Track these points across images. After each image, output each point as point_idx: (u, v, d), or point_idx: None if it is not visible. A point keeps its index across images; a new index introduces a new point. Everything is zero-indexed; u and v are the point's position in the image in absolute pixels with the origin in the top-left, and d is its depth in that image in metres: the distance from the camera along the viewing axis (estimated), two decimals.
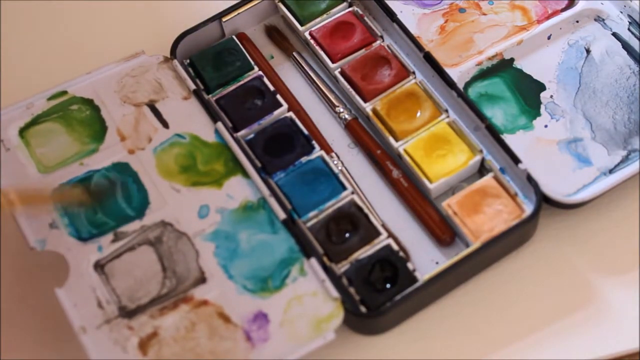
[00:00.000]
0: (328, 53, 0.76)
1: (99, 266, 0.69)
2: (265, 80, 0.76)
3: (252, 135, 0.74)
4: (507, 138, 0.72)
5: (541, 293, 0.70)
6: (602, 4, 0.77)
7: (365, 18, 0.78)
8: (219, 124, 0.73)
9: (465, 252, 0.68)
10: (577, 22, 0.77)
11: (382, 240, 0.69)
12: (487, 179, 0.71)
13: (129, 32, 0.83)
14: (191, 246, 0.69)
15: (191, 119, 0.74)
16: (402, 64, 0.75)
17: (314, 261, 0.68)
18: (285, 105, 0.75)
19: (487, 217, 0.70)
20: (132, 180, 0.72)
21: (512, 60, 0.76)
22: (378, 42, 0.77)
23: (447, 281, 0.69)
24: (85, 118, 0.74)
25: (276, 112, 0.74)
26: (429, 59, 0.75)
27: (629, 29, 0.76)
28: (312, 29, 0.77)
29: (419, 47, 0.75)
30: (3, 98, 0.78)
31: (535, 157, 0.72)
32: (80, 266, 0.68)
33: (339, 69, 0.76)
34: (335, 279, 0.68)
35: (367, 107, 0.74)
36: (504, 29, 0.77)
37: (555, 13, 0.77)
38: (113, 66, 0.76)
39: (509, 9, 0.78)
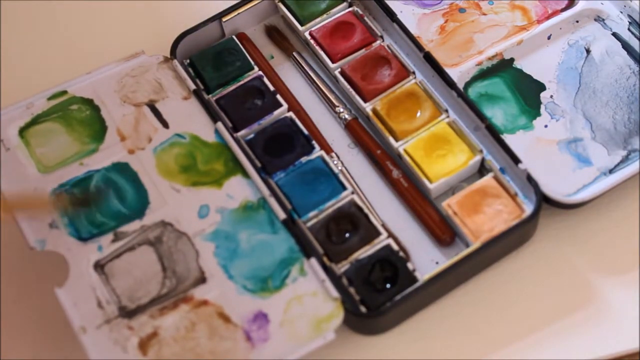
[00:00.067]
0: (328, 53, 0.76)
1: (99, 266, 0.69)
2: (265, 80, 0.76)
3: (252, 135, 0.74)
4: (507, 138, 0.72)
5: (541, 293, 0.70)
6: (602, 4, 0.77)
7: (365, 18, 0.78)
8: (219, 124, 0.73)
9: (465, 252, 0.68)
10: (577, 22, 0.77)
11: (382, 240, 0.69)
12: (487, 179, 0.71)
13: (129, 32, 0.83)
14: (191, 246, 0.69)
15: (191, 119, 0.74)
16: (402, 64, 0.75)
17: (314, 261, 0.68)
18: (285, 105, 0.75)
19: (487, 217, 0.70)
20: (130, 181, 0.72)
21: (512, 60, 0.76)
22: (378, 42, 0.77)
23: (447, 281, 0.69)
24: (85, 118, 0.74)
25: (276, 112, 0.74)
26: (429, 59, 0.75)
27: (629, 29, 0.76)
28: (312, 29, 0.78)
29: (419, 47, 0.75)
30: (3, 98, 0.78)
31: (535, 157, 0.72)
32: (80, 266, 0.68)
33: (339, 69, 0.76)
34: (335, 279, 0.68)
35: (367, 107, 0.74)
36: (504, 29, 0.77)
37: (555, 13, 0.77)
38: (113, 66, 0.76)
39: (509, 9, 0.78)
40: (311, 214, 0.70)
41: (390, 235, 0.71)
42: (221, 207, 0.71)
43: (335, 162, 0.73)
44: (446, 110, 0.73)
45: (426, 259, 0.71)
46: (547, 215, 0.71)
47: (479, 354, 0.68)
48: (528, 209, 0.70)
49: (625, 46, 0.76)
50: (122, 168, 0.72)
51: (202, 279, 0.68)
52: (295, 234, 0.69)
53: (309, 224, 0.70)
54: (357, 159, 0.75)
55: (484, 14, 0.78)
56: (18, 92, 0.76)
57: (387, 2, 0.77)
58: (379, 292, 0.68)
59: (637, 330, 0.68)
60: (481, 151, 0.72)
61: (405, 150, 0.72)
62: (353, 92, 0.75)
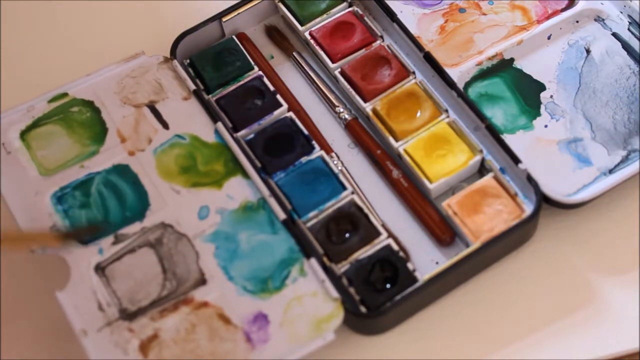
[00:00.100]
0: (328, 53, 0.76)
1: (100, 269, 0.69)
2: (265, 80, 0.76)
3: (252, 136, 0.74)
4: (507, 138, 0.72)
5: (541, 293, 0.70)
6: (602, 4, 0.77)
7: (365, 18, 0.78)
8: (219, 124, 0.73)
9: (465, 252, 0.68)
10: (577, 22, 0.77)
11: (382, 240, 0.69)
12: (487, 179, 0.71)
13: (129, 32, 0.83)
14: (191, 247, 0.69)
15: (191, 120, 0.74)
16: (402, 64, 0.75)
17: (314, 261, 0.68)
18: (285, 105, 0.75)
19: (487, 217, 0.70)
20: (130, 183, 0.72)
21: (512, 60, 0.76)
22: (378, 42, 0.76)
23: (447, 281, 0.69)
24: (86, 120, 0.74)
25: (276, 112, 0.74)
26: (429, 59, 0.75)
27: (629, 29, 0.76)
28: (312, 29, 0.77)
29: (419, 47, 0.75)
30: (3, 101, 0.78)
31: (535, 157, 0.72)
32: (81, 269, 0.68)
33: (339, 69, 0.76)
34: (335, 279, 0.68)
35: (367, 107, 0.74)
36: (504, 29, 0.77)
37: (555, 13, 0.77)
38: (113, 67, 0.76)
39: (509, 9, 0.78)
40: (311, 214, 0.70)
41: (390, 235, 0.71)
42: (221, 208, 0.71)
43: (335, 162, 0.73)
44: (446, 110, 0.73)
45: (426, 259, 0.71)
46: (547, 215, 0.71)
47: (479, 354, 0.68)
48: (528, 209, 0.70)
49: (625, 46, 0.76)
50: (122, 170, 0.72)
51: (202, 281, 0.68)
52: (295, 234, 0.69)
53: (309, 224, 0.70)
54: (357, 159, 0.75)
55: (484, 14, 0.78)
56: (18, 95, 0.76)
57: (387, 2, 0.77)
58: (379, 292, 0.68)
59: (637, 330, 0.68)
60: (481, 151, 0.72)
61: (405, 150, 0.72)
62: (353, 92, 0.75)
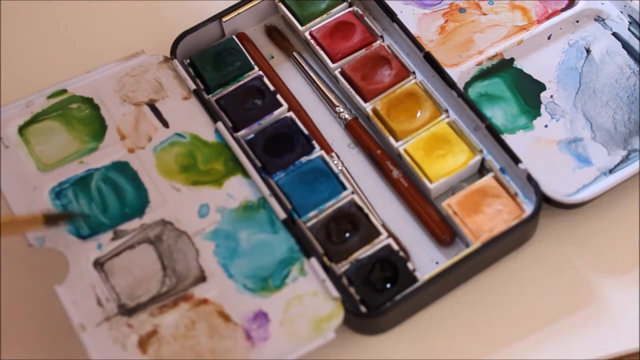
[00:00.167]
0: (328, 53, 0.76)
1: (99, 264, 0.68)
2: (265, 80, 0.76)
3: (252, 135, 0.74)
4: (507, 138, 0.72)
5: (541, 293, 0.70)
6: (602, 4, 0.77)
7: (365, 18, 0.78)
8: (219, 124, 0.73)
9: (465, 252, 0.68)
10: (577, 22, 0.77)
11: (382, 240, 0.69)
12: (487, 179, 0.71)
13: (129, 32, 0.83)
14: (191, 245, 0.69)
15: (191, 119, 0.74)
16: (402, 64, 0.75)
17: (314, 261, 0.68)
18: (285, 105, 0.75)
19: (487, 217, 0.70)
20: (130, 179, 0.72)
21: (512, 60, 0.76)
22: (378, 42, 0.77)
23: (447, 281, 0.69)
24: (85, 117, 0.74)
25: (276, 112, 0.74)
26: (429, 59, 0.75)
27: (629, 29, 0.77)
28: (312, 29, 0.78)
29: (419, 47, 0.75)
30: (3, 96, 0.78)
31: (535, 157, 0.72)
32: (80, 264, 0.68)
33: (339, 69, 0.76)
34: (335, 278, 0.68)
35: (367, 107, 0.74)
36: (504, 29, 0.77)
37: (555, 13, 0.77)
38: (113, 65, 0.76)
39: (509, 9, 0.78)
40: (311, 213, 0.70)
41: (390, 235, 0.70)
42: (221, 207, 0.71)
43: (335, 162, 0.73)
44: (446, 110, 0.73)
45: (426, 259, 0.71)
46: (547, 215, 0.71)
47: (479, 354, 0.68)
48: (528, 209, 0.70)
49: (626, 46, 0.76)
50: (122, 167, 0.72)
51: (202, 278, 0.68)
52: (295, 234, 0.69)
53: (309, 223, 0.70)
54: (357, 159, 0.75)
55: (484, 14, 0.78)
56: (18, 91, 0.75)
57: (387, 2, 0.77)
58: (379, 292, 0.68)
59: (637, 330, 0.68)
60: (481, 151, 0.72)
61: (405, 150, 0.72)
62: (353, 92, 0.75)
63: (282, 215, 0.70)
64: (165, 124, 0.74)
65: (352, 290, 0.68)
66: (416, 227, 0.72)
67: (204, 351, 0.65)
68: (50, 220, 0.68)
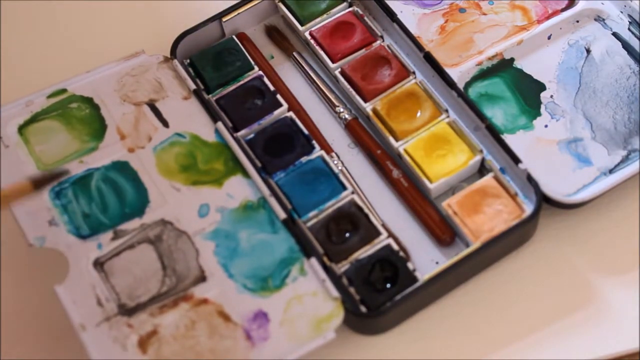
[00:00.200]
0: (328, 53, 0.76)
1: (99, 264, 0.68)
2: (265, 80, 0.76)
3: (252, 135, 0.74)
4: (507, 138, 0.72)
5: (541, 293, 0.70)
6: (602, 3, 0.77)
7: (365, 18, 0.78)
8: (219, 124, 0.73)
9: (465, 252, 0.68)
10: (577, 22, 0.77)
11: (382, 240, 0.69)
12: (487, 179, 0.71)
13: (129, 32, 0.83)
14: (191, 245, 0.69)
15: (191, 119, 0.74)
16: (402, 64, 0.75)
17: (314, 261, 0.68)
18: (285, 105, 0.75)
19: (487, 217, 0.69)
20: (130, 179, 0.72)
21: (512, 60, 0.76)
22: (378, 42, 0.77)
23: (447, 281, 0.69)
24: (85, 116, 0.74)
25: (276, 112, 0.74)
26: (429, 59, 0.75)
27: (629, 29, 0.77)
28: (312, 29, 0.78)
29: (419, 47, 0.75)
30: (3, 95, 0.78)
31: (535, 157, 0.72)
32: (80, 264, 0.68)
33: (339, 69, 0.76)
34: (335, 278, 0.68)
35: (367, 107, 0.74)
36: (504, 29, 0.77)
37: (555, 13, 0.77)
38: (113, 65, 0.76)
39: (509, 9, 0.78)
40: (311, 213, 0.70)
41: (390, 235, 0.70)
42: (221, 207, 0.71)
43: (335, 162, 0.73)
44: (446, 110, 0.73)
45: (426, 259, 0.71)
46: (547, 215, 0.71)
47: (479, 354, 0.68)
48: (528, 209, 0.70)
49: (626, 46, 0.76)
50: (121, 166, 0.72)
51: (202, 278, 0.68)
52: (295, 234, 0.69)
53: (309, 223, 0.70)
54: (357, 159, 0.75)
55: (484, 14, 0.78)
56: (18, 91, 0.75)
57: (387, 2, 0.77)
58: (379, 292, 0.68)
59: (637, 330, 0.68)
60: (481, 151, 0.72)
61: (405, 150, 0.72)
62: (353, 92, 0.75)
63: (282, 215, 0.70)
64: (165, 123, 0.74)
65: (352, 290, 0.68)
66: (416, 227, 0.72)
67: (204, 351, 0.65)
68: (38, 184, 0.67)
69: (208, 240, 0.69)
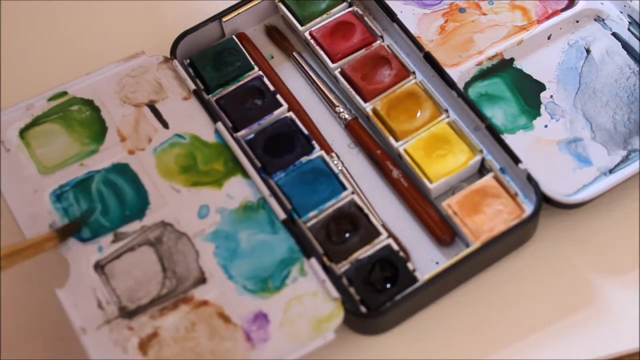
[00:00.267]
0: (328, 53, 0.76)
1: (99, 267, 0.69)
2: (265, 80, 0.76)
3: (252, 135, 0.74)
4: (507, 138, 0.72)
5: (541, 293, 0.70)
6: (602, 4, 0.77)
7: (365, 18, 0.78)
8: (219, 124, 0.73)
9: (465, 252, 0.68)
10: (577, 22, 0.77)
11: (382, 240, 0.69)
12: (487, 179, 0.71)
13: (129, 32, 0.83)
14: (191, 246, 0.69)
15: (191, 119, 0.74)
16: (402, 64, 0.75)
17: (314, 261, 0.68)
18: (285, 105, 0.75)
19: (487, 217, 0.70)
20: (130, 181, 0.72)
21: (512, 60, 0.76)
22: (378, 42, 0.77)
23: (447, 281, 0.69)
24: (85, 119, 0.74)
25: (276, 112, 0.74)
26: (429, 59, 0.75)
27: (629, 29, 0.76)
28: (312, 29, 0.77)
29: (419, 47, 0.75)
30: (3, 99, 0.78)
31: (535, 157, 0.72)
32: (81, 267, 0.68)
33: (339, 69, 0.76)
34: (335, 279, 0.68)
35: (367, 107, 0.74)
36: (504, 29, 0.77)
37: (555, 13, 0.77)
38: (113, 66, 0.76)
39: (509, 9, 0.78)
40: (311, 214, 0.70)
41: (390, 235, 0.71)
42: (221, 208, 0.71)
43: (335, 162, 0.73)
44: (446, 110, 0.73)
45: (426, 259, 0.71)
46: (547, 215, 0.71)
47: (479, 354, 0.68)
48: (528, 209, 0.70)
49: (625, 46, 0.76)
50: (122, 169, 0.72)
51: (202, 279, 0.68)
52: (295, 234, 0.69)
53: (309, 224, 0.70)
54: (357, 159, 0.75)
55: (484, 14, 0.78)
56: (18, 93, 0.76)
57: (387, 2, 0.77)
58: (379, 292, 0.68)
59: (637, 330, 0.68)
60: (481, 151, 0.72)
61: (405, 150, 0.72)
62: (353, 92, 0.75)
63: (282, 215, 0.70)
64: (165, 124, 0.74)
65: (352, 290, 0.68)
66: (416, 227, 0.72)
67: (204, 353, 0.65)
68: (64, 234, 0.68)
69: (208, 241, 0.69)
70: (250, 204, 0.71)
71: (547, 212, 0.71)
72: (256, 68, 0.76)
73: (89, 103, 0.75)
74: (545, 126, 0.74)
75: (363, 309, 0.67)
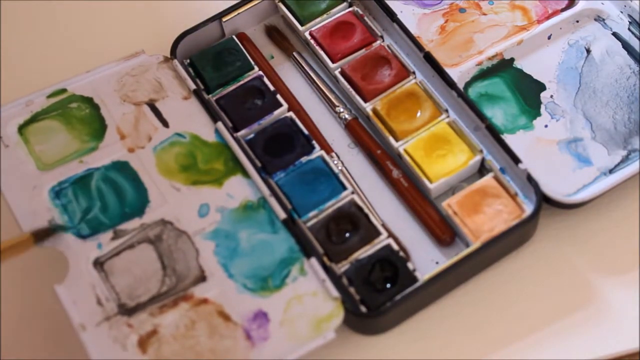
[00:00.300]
0: (328, 53, 0.76)
1: (99, 264, 0.68)
2: (265, 80, 0.76)
3: (252, 135, 0.74)
4: (507, 138, 0.72)
5: (541, 293, 0.70)
6: (602, 3, 0.77)
7: (365, 18, 0.78)
8: (219, 124, 0.73)
9: (465, 252, 0.68)
10: (577, 22, 0.77)
11: (382, 240, 0.69)
12: (487, 179, 0.71)
13: (129, 32, 0.83)
14: (191, 245, 0.69)
15: (191, 119, 0.74)
16: (402, 64, 0.75)
17: (314, 261, 0.68)
18: (285, 105, 0.75)
19: (487, 217, 0.69)
20: (130, 179, 0.72)
21: (512, 60, 0.76)
22: (378, 42, 0.77)
23: (447, 281, 0.69)
24: (85, 116, 0.74)
25: (276, 112, 0.74)
26: (429, 59, 0.75)
27: (629, 29, 0.77)
28: (312, 29, 0.78)
29: (419, 47, 0.75)
30: (3, 95, 0.78)
31: (535, 157, 0.72)
32: (80, 263, 0.68)
33: (339, 69, 0.76)
34: (335, 278, 0.68)
35: (367, 107, 0.74)
36: (504, 29, 0.77)
37: (555, 13, 0.77)
38: (113, 65, 0.76)
39: (509, 9, 0.78)
40: (311, 213, 0.70)
41: (390, 235, 0.70)
42: (221, 207, 0.71)
43: (335, 162, 0.73)
44: (446, 110, 0.73)
45: (426, 259, 0.71)
46: (547, 215, 0.71)
47: (479, 354, 0.68)
48: (528, 209, 0.70)
49: (626, 46, 0.76)
50: (121, 166, 0.72)
51: (202, 278, 0.68)
52: (295, 234, 0.69)
53: (309, 223, 0.70)
54: (357, 159, 0.75)
55: (484, 14, 0.78)
56: (18, 90, 0.75)
57: (387, 2, 0.77)
58: (379, 292, 0.68)
59: (637, 330, 0.68)
60: (481, 151, 0.72)
61: (405, 150, 0.72)
62: (353, 92, 0.75)
63: (282, 215, 0.70)
64: (165, 123, 0.74)
65: (352, 290, 0.68)
66: (416, 227, 0.72)
67: (204, 351, 0.65)
68: (39, 237, 0.68)
69: (208, 240, 0.69)
70: (250, 203, 0.71)
71: (547, 212, 0.71)
72: (256, 68, 0.76)
73: (89, 101, 0.75)
74: (546, 126, 0.74)
75: (363, 309, 0.67)
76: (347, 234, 0.70)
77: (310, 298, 0.67)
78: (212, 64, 0.76)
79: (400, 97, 0.74)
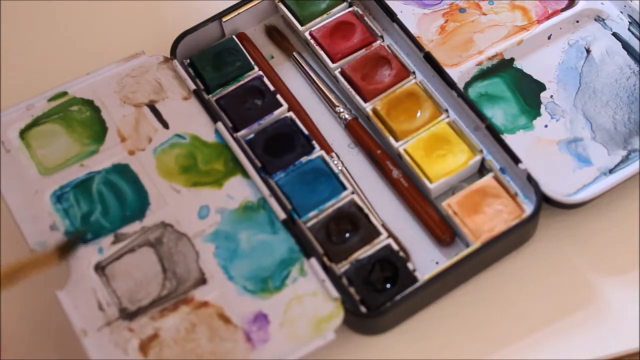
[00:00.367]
0: (328, 53, 0.76)
1: (100, 268, 0.69)
2: (265, 80, 0.76)
3: (252, 135, 0.74)
4: (507, 138, 0.72)
5: (541, 293, 0.70)
6: (602, 4, 0.77)
7: (365, 18, 0.78)
8: (219, 124, 0.73)
9: (465, 252, 0.68)
10: (577, 22, 0.77)
11: (382, 240, 0.69)
12: (487, 179, 0.71)
13: (129, 32, 0.83)
14: (191, 247, 0.69)
15: (191, 119, 0.74)
16: (402, 64, 0.75)
17: (314, 261, 0.68)
18: (285, 105, 0.75)
19: (487, 217, 0.70)
20: (130, 182, 0.72)
21: (512, 60, 0.76)
22: (378, 42, 0.76)
23: (447, 281, 0.69)
24: (86, 119, 0.74)
25: (276, 112, 0.74)
26: (429, 59, 0.75)
27: (629, 29, 0.76)
28: (312, 29, 0.77)
29: (419, 47, 0.75)
30: (3, 99, 0.78)
31: (535, 157, 0.72)
32: (81, 268, 0.68)
33: (339, 69, 0.76)
34: (335, 279, 0.68)
35: (367, 107, 0.74)
36: (504, 29, 0.77)
37: (555, 13, 0.77)
38: (113, 67, 0.76)
39: (509, 9, 0.78)
40: (311, 214, 0.70)
41: (390, 235, 0.71)
42: (221, 208, 0.71)
43: (335, 162, 0.73)
44: (446, 110, 0.73)
45: (426, 259, 0.71)
46: (547, 215, 0.71)
47: (479, 354, 0.68)
48: (528, 209, 0.70)
49: (626, 46, 0.76)
50: (122, 169, 0.72)
51: (202, 280, 0.68)
52: (295, 234, 0.69)
53: (309, 224, 0.70)
54: (357, 159, 0.75)
55: (484, 14, 0.78)
56: (18, 94, 0.75)
57: (387, 2, 0.77)
58: (379, 292, 0.68)
59: (637, 330, 0.68)
60: (481, 151, 0.72)
61: (405, 150, 0.72)
62: (353, 92, 0.75)
63: (282, 215, 0.70)
64: (165, 125, 0.74)
65: (352, 290, 0.68)
66: (416, 227, 0.72)
67: (205, 354, 0.65)
68: (63, 252, 0.67)
69: (208, 242, 0.69)
70: (250, 204, 0.71)
71: (547, 212, 0.71)
72: (256, 68, 0.76)
73: (89, 103, 0.75)
74: (545, 126, 0.74)
75: (363, 309, 0.67)
76: (347, 234, 0.70)
77: (310, 298, 0.67)
78: (212, 64, 0.76)
79: (400, 97, 0.74)
